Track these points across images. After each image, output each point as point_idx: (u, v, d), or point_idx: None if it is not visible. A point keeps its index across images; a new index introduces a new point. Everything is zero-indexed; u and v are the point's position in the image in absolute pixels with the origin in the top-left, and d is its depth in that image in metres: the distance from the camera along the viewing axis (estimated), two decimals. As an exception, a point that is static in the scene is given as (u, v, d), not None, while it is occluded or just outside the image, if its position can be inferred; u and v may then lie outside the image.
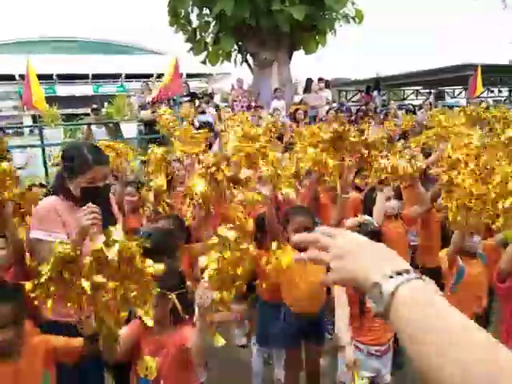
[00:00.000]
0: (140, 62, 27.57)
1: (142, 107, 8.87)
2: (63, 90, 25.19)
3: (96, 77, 27.95)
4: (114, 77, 28.03)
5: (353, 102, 17.12)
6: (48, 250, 1.83)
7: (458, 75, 12.72)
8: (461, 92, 16.95)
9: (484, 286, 2.71)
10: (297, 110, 8.96)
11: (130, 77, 27.18)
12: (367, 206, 3.21)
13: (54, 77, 25.37)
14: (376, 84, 14.21)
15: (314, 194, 3.44)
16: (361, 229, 2.44)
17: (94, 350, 1.61)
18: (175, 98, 8.59)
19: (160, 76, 8.11)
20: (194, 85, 21.03)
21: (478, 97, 11.45)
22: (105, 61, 27.73)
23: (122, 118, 8.16)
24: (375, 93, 14.14)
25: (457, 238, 2.48)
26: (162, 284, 1.76)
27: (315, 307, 2.66)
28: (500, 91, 17.27)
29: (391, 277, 0.61)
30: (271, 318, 2.79)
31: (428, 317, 0.56)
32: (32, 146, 7.12)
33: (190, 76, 22.93)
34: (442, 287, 3.11)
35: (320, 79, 11.07)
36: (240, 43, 11.04)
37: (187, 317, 1.89)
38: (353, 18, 11.18)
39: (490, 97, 16.03)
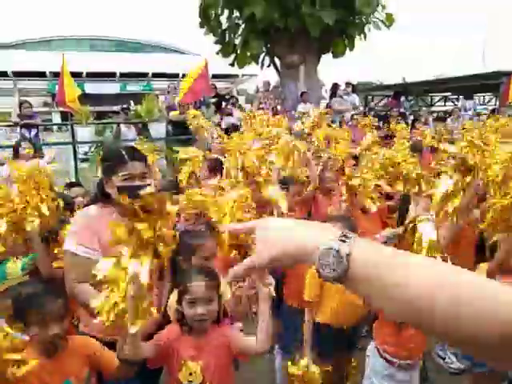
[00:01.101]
0: (166, 61, 27.88)
1: (170, 108, 8.97)
2: (91, 88, 25.68)
3: (123, 75, 28.36)
4: (141, 75, 28.40)
5: (380, 106, 16.95)
6: (79, 265, 1.86)
7: (489, 82, 12.40)
8: (491, 99, 16.51)
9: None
10: (326, 113, 8.88)
11: (156, 76, 27.49)
12: (401, 215, 3.16)
13: (83, 75, 25.89)
14: (404, 89, 14.04)
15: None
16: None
17: (128, 372, 1.60)
18: (203, 99, 8.65)
19: (185, 76, 8.19)
20: (220, 86, 21.12)
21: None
22: (132, 59, 28.13)
23: (151, 118, 8.23)
24: (403, 98, 13.95)
25: (502, 255, 2.40)
26: (219, 284, 1.83)
27: (353, 321, 2.64)
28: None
29: (342, 240, 0.61)
30: (297, 324, 2.74)
31: (398, 267, 0.57)
32: (64, 144, 7.27)
33: (215, 77, 23.04)
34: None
35: (347, 84, 10.99)
36: (268, 46, 11.04)
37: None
38: (383, 22, 11.04)
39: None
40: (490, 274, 2.52)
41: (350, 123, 9.94)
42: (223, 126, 8.54)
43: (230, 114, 9.22)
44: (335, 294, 2.57)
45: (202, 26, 10.90)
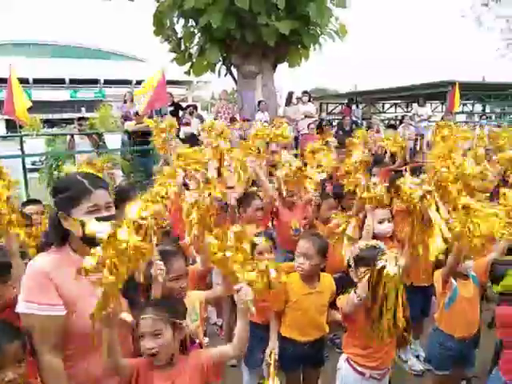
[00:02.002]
0: (119, 68, 27.24)
1: (126, 118, 8.76)
2: (38, 95, 24.58)
3: (73, 81, 27.40)
4: (92, 82, 27.56)
5: (333, 114, 17.46)
6: (39, 326, 1.60)
7: (437, 91, 13.11)
8: (437, 107, 17.44)
9: (476, 308, 2.79)
10: (282, 123, 9.00)
11: (109, 82, 26.78)
12: None
13: (30, 81, 24.75)
14: (354, 97, 14.56)
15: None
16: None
17: None
18: (159, 108, 8.52)
19: (139, 83, 8.03)
20: (174, 92, 20.87)
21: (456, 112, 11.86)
22: (83, 65, 27.26)
23: (106, 129, 8.00)
24: (354, 106, 14.45)
25: (453, 261, 2.52)
26: (176, 315, 1.79)
27: (319, 333, 2.68)
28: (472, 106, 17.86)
29: None
30: (261, 340, 2.74)
31: None
32: (12, 157, 6.89)
33: (169, 83, 22.78)
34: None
35: (304, 92, 11.21)
36: (225, 55, 11.06)
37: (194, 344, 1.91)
38: (336, 33, 11.37)
39: (465, 112, 16.57)
40: (444, 278, 2.66)
41: (304, 132, 10.16)
42: (181, 136, 8.45)
43: (188, 124, 9.14)
44: (298, 309, 2.62)
45: (156, 34, 10.75)
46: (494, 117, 15.91)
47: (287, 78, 14.93)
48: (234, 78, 11.59)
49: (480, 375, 3.03)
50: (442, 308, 2.73)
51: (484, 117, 14.70)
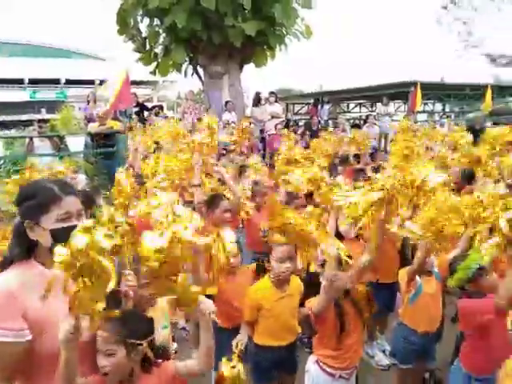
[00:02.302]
0: (82, 67, 26.48)
1: (89, 119, 8.53)
2: (-5, 95, 23.59)
3: (33, 82, 26.42)
4: (53, 82, 26.64)
5: (299, 114, 17.65)
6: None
7: (399, 91, 13.49)
8: (400, 106, 17.92)
9: (439, 304, 2.89)
10: (249, 123, 9.01)
11: (70, 82, 25.98)
12: None
13: (-14, 81, 23.70)
14: (320, 97, 14.76)
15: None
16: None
17: None
18: (125, 110, 8.36)
19: (102, 82, 7.84)
20: (140, 92, 20.51)
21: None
22: (43, 65, 26.29)
23: (68, 131, 7.75)
24: (319, 106, 14.65)
25: (421, 259, 2.59)
26: (134, 334, 1.66)
27: (293, 336, 2.69)
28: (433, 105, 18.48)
29: None
30: (227, 343, 2.70)
31: None
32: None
33: (134, 83, 22.40)
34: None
35: (271, 93, 11.26)
36: (191, 55, 10.98)
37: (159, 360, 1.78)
38: (302, 34, 11.51)
39: (426, 111, 17.12)
40: (410, 276, 2.74)
41: (271, 132, 10.22)
42: (147, 137, 8.30)
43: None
44: (271, 316, 2.61)
45: (120, 33, 10.55)
46: (453, 116, 16.54)
47: (254, 78, 15.00)
48: (200, 78, 11.53)
49: (442, 367, 3.14)
50: (407, 304, 2.80)
51: (444, 116, 15.26)
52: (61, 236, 1.41)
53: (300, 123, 13.76)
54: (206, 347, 1.68)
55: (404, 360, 2.91)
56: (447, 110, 17.87)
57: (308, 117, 13.74)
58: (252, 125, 9.02)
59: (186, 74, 11.41)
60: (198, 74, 11.49)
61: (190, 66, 11.41)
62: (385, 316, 3.80)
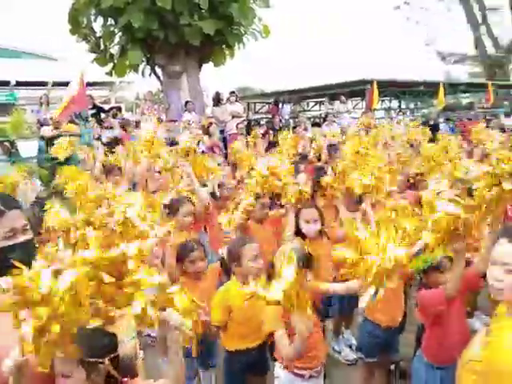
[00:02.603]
0: (33, 68, 25.32)
1: (42, 123, 8.17)
2: None
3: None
4: (2, 84, 25.35)
5: (260, 113, 17.71)
6: None
7: (357, 89, 13.81)
8: (358, 103, 18.36)
9: (400, 298, 2.98)
10: (211, 123, 8.94)
11: (21, 84, 24.79)
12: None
13: None
14: (281, 96, 14.87)
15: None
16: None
17: None
18: (81, 112, 8.07)
19: (58, 84, 7.52)
20: (96, 94, 19.87)
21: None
22: (-11, 65, 24.91)
23: (20, 136, 7.39)
24: (280, 105, 14.75)
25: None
26: (95, 352, 1.52)
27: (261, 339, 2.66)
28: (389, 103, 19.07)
29: None
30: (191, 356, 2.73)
31: None
32: None
33: (90, 85, 21.70)
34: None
35: (231, 92, 11.23)
36: (148, 55, 10.75)
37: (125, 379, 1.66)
38: (260, 33, 11.53)
39: (383, 108, 17.64)
40: None
41: (231, 132, 10.18)
42: (104, 141, 8.07)
43: (111, 127, 8.74)
44: (242, 316, 2.58)
45: (72, 33, 10.16)
46: (408, 112, 17.14)
47: (213, 77, 14.91)
48: (158, 78, 11.32)
49: (406, 358, 3.23)
50: (370, 300, 2.85)
51: (400, 113, 15.77)
52: (6, 254, 1.33)
53: (261, 122, 13.80)
54: (172, 369, 1.58)
55: (369, 354, 2.97)
56: (403, 106, 18.49)
57: (269, 116, 13.79)
58: (214, 125, 8.97)
59: (143, 75, 11.17)
60: (155, 74, 11.27)
61: (148, 67, 11.18)
62: (351, 312, 3.86)
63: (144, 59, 10.84)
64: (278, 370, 2.53)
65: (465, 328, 2.47)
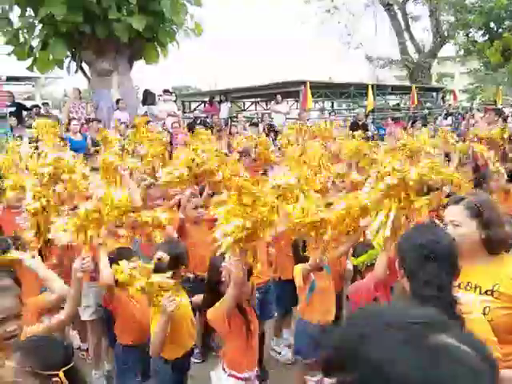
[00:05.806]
0: None
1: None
2: None
3: None
4: None
5: (196, 111, 17.45)
6: None
7: (292, 90, 14.07)
8: (293, 104, 18.71)
9: (333, 297, 3.01)
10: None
11: None
12: None
13: None
14: (216, 96, 14.75)
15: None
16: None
17: None
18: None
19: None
20: (19, 90, 18.44)
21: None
22: None
23: None
24: (217, 104, 14.62)
25: (317, 259, 2.64)
26: (43, 365, 1.42)
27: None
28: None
29: None
30: (135, 361, 2.66)
31: None
32: None
33: (11, 79, 20.09)
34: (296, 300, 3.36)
35: (165, 90, 10.90)
36: (73, 50, 10.11)
37: None
38: (192, 31, 11.33)
39: (317, 109, 18.12)
40: (305, 274, 2.78)
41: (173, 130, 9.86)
42: (25, 141, 7.45)
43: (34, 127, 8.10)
44: (177, 324, 2.48)
45: (-14, 23, 9.30)
46: (338, 113, 17.77)
47: (148, 75, 14.46)
48: (86, 75, 10.70)
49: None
50: (304, 300, 2.87)
51: (333, 113, 16.28)
52: None
53: (208, 121, 13.55)
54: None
55: (306, 354, 2.95)
56: (336, 107, 19.14)
57: (205, 115, 13.59)
58: (151, 123, 8.62)
59: (69, 71, 10.49)
60: (83, 70, 10.64)
61: (74, 63, 10.53)
62: (290, 312, 3.86)
63: (69, 54, 10.18)
64: (221, 374, 2.45)
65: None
